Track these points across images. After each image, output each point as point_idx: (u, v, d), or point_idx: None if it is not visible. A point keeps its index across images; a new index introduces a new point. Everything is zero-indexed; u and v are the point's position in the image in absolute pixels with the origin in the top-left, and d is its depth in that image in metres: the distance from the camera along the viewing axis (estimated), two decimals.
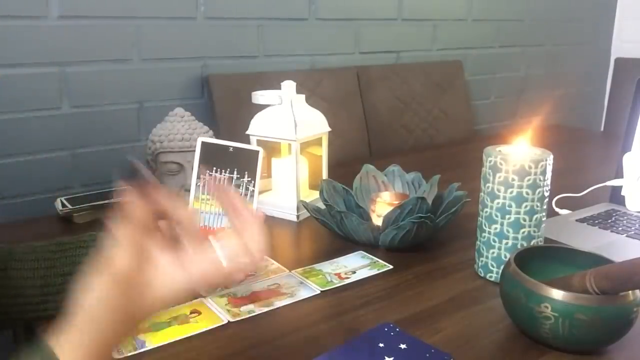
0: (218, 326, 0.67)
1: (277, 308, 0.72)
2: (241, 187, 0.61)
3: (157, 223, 0.47)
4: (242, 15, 1.47)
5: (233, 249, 0.47)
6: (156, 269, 0.44)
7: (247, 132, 1.05)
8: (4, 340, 1.05)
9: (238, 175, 0.61)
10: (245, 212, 0.49)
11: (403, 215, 0.86)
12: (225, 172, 0.60)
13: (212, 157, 0.60)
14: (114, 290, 0.42)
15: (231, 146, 0.60)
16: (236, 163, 0.60)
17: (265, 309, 0.71)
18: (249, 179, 0.61)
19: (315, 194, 1.03)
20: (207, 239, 0.47)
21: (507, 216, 0.76)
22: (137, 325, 0.45)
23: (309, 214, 0.96)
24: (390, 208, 0.87)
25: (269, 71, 1.52)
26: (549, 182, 0.76)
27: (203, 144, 0.59)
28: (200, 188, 0.59)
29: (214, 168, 0.60)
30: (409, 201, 0.86)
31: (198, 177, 0.59)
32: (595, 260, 0.67)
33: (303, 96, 1.08)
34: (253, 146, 0.62)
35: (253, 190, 0.61)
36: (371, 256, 0.87)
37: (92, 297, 0.42)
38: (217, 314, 0.70)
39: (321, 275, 0.81)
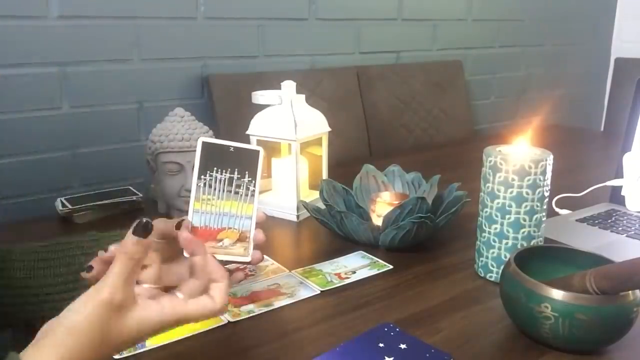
0: (218, 326, 0.67)
1: (277, 308, 0.72)
2: (241, 188, 0.61)
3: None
4: (242, 15, 1.47)
5: (195, 290, 0.52)
6: (136, 303, 0.48)
7: (247, 132, 1.06)
8: (4, 340, 1.05)
9: (239, 175, 0.60)
10: (216, 270, 0.54)
11: (403, 215, 0.86)
12: (225, 172, 0.60)
13: (213, 157, 0.59)
14: (98, 311, 0.45)
15: (232, 146, 0.60)
16: (237, 163, 0.60)
17: (265, 309, 0.71)
18: (250, 178, 0.61)
19: (315, 194, 1.03)
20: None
21: (507, 216, 0.76)
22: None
23: (309, 214, 0.96)
24: (390, 208, 0.87)
25: (269, 71, 1.52)
26: (549, 182, 0.76)
27: (203, 143, 0.59)
28: (201, 188, 0.59)
29: (215, 168, 0.60)
30: (409, 201, 0.86)
31: (199, 178, 0.59)
32: (595, 260, 0.67)
33: (303, 96, 1.08)
34: (254, 146, 0.62)
35: (253, 190, 0.61)
36: (371, 256, 0.87)
37: (76, 314, 0.45)
38: None
39: (321, 275, 0.81)
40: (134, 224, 0.48)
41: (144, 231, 0.48)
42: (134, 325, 0.47)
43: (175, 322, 0.50)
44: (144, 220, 0.49)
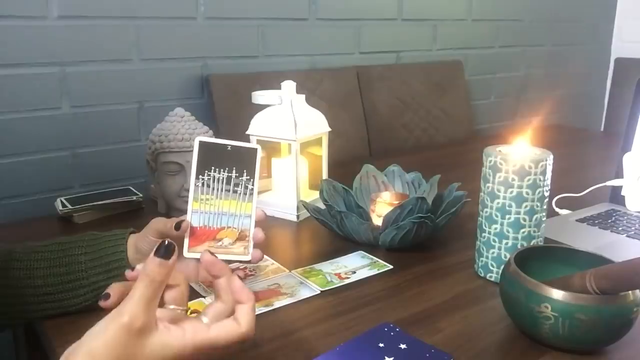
0: None
1: (277, 308, 0.72)
2: (240, 186, 0.61)
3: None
4: (242, 15, 1.47)
5: (220, 313, 0.51)
6: (157, 327, 0.47)
7: (247, 132, 1.06)
8: (4, 340, 1.05)
9: (237, 174, 0.60)
10: (240, 291, 0.52)
11: (403, 215, 0.86)
12: (223, 171, 0.60)
13: (210, 156, 0.59)
14: (118, 336, 0.44)
15: (229, 144, 0.60)
16: (234, 161, 0.60)
17: (265, 309, 0.71)
18: (248, 177, 0.61)
19: (315, 194, 1.03)
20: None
21: (507, 216, 0.76)
22: None
23: (309, 214, 0.96)
24: (390, 208, 0.87)
25: (269, 71, 1.52)
26: (549, 182, 0.76)
27: (200, 143, 0.59)
28: (199, 188, 0.59)
29: (213, 167, 0.60)
30: (409, 201, 0.86)
31: (197, 177, 0.59)
32: (595, 260, 0.67)
33: (303, 96, 1.07)
34: (251, 144, 0.62)
35: (252, 189, 0.61)
36: (371, 256, 0.87)
37: (95, 339, 0.44)
38: None
39: (321, 275, 0.81)
40: (156, 246, 0.47)
41: (166, 253, 0.47)
42: (156, 350, 0.46)
43: (198, 347, 0.48)
44: (167, 242, 0.48)
